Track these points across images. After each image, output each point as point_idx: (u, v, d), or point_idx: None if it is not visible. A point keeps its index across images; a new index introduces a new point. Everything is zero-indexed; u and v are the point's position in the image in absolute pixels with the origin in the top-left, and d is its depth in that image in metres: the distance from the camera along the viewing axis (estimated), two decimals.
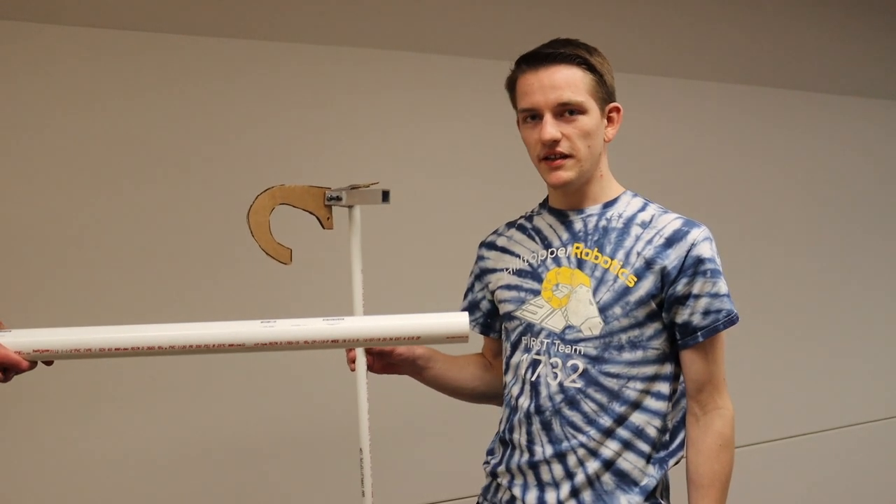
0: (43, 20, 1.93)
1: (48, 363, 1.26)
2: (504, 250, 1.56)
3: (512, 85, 1.46)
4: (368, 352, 1.49)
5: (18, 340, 1.22)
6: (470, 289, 1.64)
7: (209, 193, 2.10)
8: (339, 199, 1.44)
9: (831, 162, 3.21)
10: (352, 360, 1.49)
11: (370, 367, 1.51)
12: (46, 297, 1.94)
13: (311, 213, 1.45)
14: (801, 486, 3.14)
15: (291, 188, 1.44)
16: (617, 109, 1.47)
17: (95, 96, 1.99)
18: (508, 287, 1.52)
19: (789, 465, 3.10)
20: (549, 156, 1.41)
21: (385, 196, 1.47)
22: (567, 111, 1.39)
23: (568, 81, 1.39)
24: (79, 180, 1.98)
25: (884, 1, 3.26)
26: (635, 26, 2.72)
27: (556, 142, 1.39)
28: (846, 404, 3.26)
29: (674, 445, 1.47)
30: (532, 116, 1.42)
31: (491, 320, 1.62)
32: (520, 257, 1.52)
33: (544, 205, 1.55)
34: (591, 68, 1.40)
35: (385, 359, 1.53)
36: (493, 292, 1.56)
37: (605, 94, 1.43)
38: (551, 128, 1.39)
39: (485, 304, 1.61)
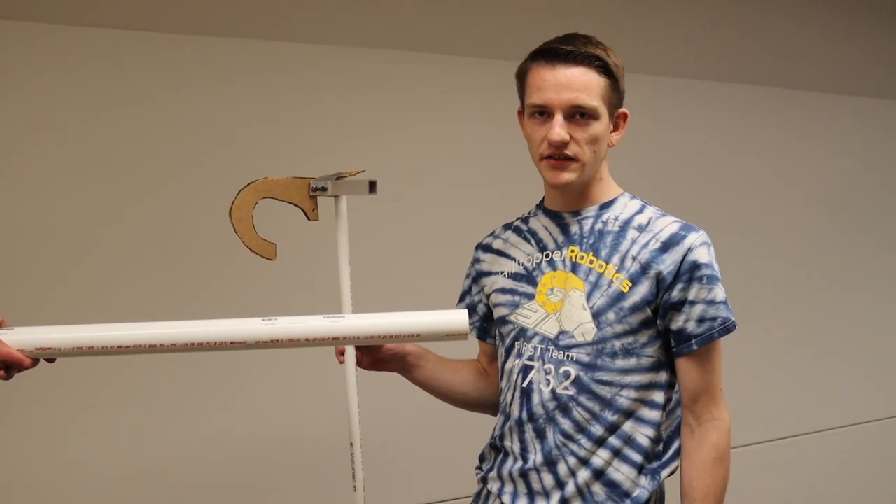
0: (43, 20, 1.94)
1: (50, 361, 1.27)
2: (500, 253, 1.53)
3: (523, 76, 1.41)
4: (357, 346, 1.46)
5: (21, 338, 1.22)
6: (467, 291, 1.61)
7: (209, 193, 2.10)
8: (324, 189, 1.40)
9: (830, 162, 3.21)
10: (340, 353, 1.46)
11: (359, 363, 1.48)
12: (48, 295, 1.94)
13: (295, 204, 1.41)
14: (801, 487, 3.14)
15: (275, 181, 1.40)
16: (624, 116, 1.43)
17: (94, 95, 1.99)
18: (503, 291, 1.49)
19: (789, 465, 3.10)
20: (554, 155, 1.37)
21: (372, 187, 1.43)
22: (578, 114, 1.35)
23: (585, 84, 1.34)
24: (78, 179, 1.98)
25: (883, 1, 3.26)
26: (635, 26, 2.72)
27: (563, 144, 1.35)
28: (846, 404, 3.26)
29: (667, 456, 1.43)
30: (541, 113, 1.37)
31: (487, 324, 1.58)
32: (515, 260, 1.49)
33: (540, 205, 1.52)
34: (608, 72, 1.36)
35: (373, 354, 1.48)
36: (488, 296, 1.53)
37: (616, 99, 1.39)
38: (560, 129, 1.34)
39: (481, 308, 1.58)
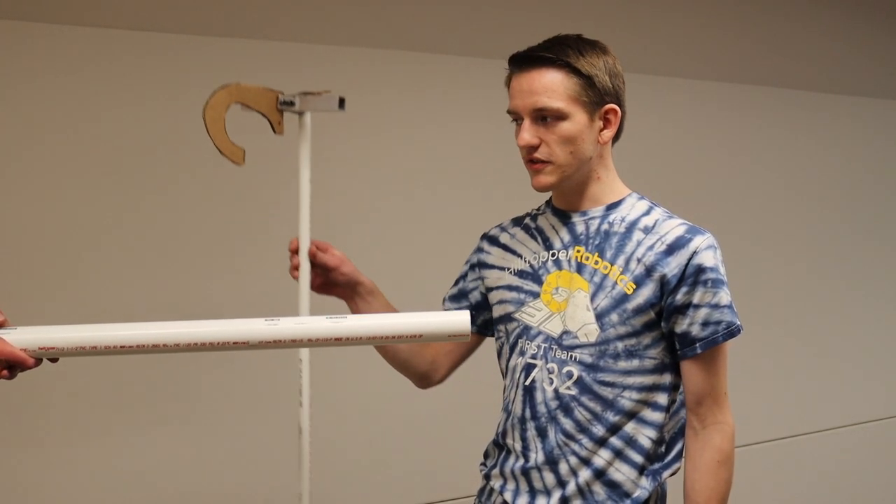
0: (43, 20, 1.93)
1: (53, 360, 1.26)
2: (507, 248, 1.53)
3: (508, 84, 1.43)
4: (312, 263, 1.42)
5: (24, 338, 1.21)
6: (463, 276, 1.60)
7: (210, 193, 2.10)
8: (291, 104, 1.39)
9: (830, 162, 3.21)
10: (295, 268, 1.43)
11: (311, 282, 1.44)
12: (51, 295, 1.94)
13: (263, 115, 1.41)
14: (801, 487, 3.14)
15: (248, 87, 1.40)
16: (614, 111, 1.40)
17: (94, 95, 1.99)
18: (509, 288, 1.49)
19: (789, 465, 3.10)
20: (529, 160, 1.39)
21: (341, 103, 1.42)
22: (544, 117, 1.35)
23: (546, 87, 1.35)
24: (79, 179, 1.98)
25: (884, 1, 3.26)
26: (635, 26, 2.72)
27: (532, 147, 1.37)
28: (846, 404, 3.27)
29: (669, 457, 1.43)
30: (516, 119, 1.40)
31: (476, 313, 1.57)
32: (522, 257, 1.49)
33: (549, 203, 1.52)
34: (576, 71, 1.35)
35: (326, 275, 1.45)
36: (490, 289, 1.53)
37: (595, 97, 1.37)
38: (527, 133, 1.36)
39: (475, 296, 1.57)
